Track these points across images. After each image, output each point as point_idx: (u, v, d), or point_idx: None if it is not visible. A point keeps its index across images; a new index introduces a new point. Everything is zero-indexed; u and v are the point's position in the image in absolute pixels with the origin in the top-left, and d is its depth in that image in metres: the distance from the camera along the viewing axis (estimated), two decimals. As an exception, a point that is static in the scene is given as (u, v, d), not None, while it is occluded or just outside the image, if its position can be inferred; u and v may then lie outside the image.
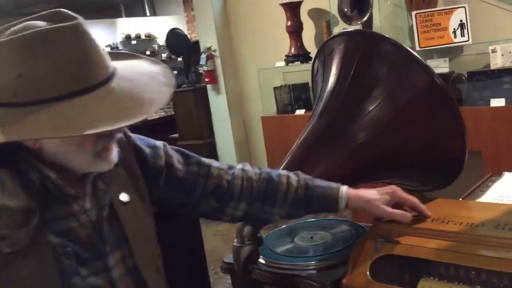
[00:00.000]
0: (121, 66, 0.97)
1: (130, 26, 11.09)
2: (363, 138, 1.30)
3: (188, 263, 1.71)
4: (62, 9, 0.92)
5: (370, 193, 1.19)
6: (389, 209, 1.16)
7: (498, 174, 1.58)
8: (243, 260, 1.28)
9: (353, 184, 1.53)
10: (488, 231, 1.05)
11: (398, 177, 1.44)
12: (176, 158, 1.18)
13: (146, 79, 0.98)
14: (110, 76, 0.91)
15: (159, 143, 1.18)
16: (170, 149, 1.19)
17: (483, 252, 0.99)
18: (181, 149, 1.22)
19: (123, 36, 10.97)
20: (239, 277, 1.31)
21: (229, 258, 1.37)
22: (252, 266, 1.30)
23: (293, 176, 1.23)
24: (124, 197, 1.07)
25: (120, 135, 1.07)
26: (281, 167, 1.36)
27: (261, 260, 1.32)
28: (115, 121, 0.87)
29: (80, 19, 0.90)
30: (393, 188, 1.20)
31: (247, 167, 1.26)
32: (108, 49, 10.64)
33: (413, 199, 1.19)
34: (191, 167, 1.19)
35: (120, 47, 10.99)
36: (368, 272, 1.08)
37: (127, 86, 0.92)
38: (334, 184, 1.21)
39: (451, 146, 1.31)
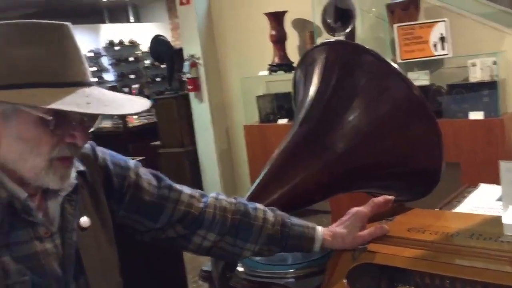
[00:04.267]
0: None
1: (113, 32, 11.05)
2: (342, 148, 1.31)
3: (167, 271, 1.70)
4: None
5: (340, 230, 1.16)
6: (365, 234, 1.13)
7: (475, 185, 1.60)
8: (221, 268, 1.27)
9: (331, 193, 1.54)
10: (463, 240, 1.06)
11: (375, 187, 1.45)
12: (147, 181, 1.12)
13: (120, 97, 0.96)
14: (85, 82, 0.91)
15: (132, 163, 1.14)
16: (144, 170, 1.14)
17: (458, 261, 1.00)
18: (156, 172, 1.17)
19: (107, 42, 10.92)
20: (217, 285, 1.31)
21: (207, 266, 1.36)
22: (230, 274, 1.30)
23: (269, 212, 1.18)
24: (84, 221, 1.01)
25: (87, 151, 1.05)
26: (261, 175, 1.37)
27: (239, 268, 1.32)
28: (80, 108, 0.86)
29: (69, 24, 0.91)
30: (354, 213, 1.17)
31: (221, 196, 1.20)
32: (92, 54, 10.59)
33: (373, 204, 1.19)
34: (161, 191, 1.13)
35: (103, 52, 10.94)
36: (345, 281, 1.09)
37: (98, 94, 0.91)
38: (309, 224, 1.18)
39: (428, 158, 1.32)
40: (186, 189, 1.17)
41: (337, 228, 1.17)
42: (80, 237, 0.99)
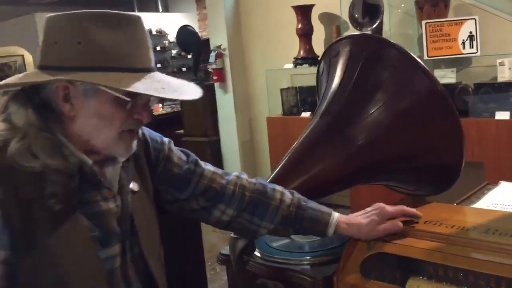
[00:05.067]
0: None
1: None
2: (362, 140, 1.32)
3: (185, 258, 1.74)
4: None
5: (359, 219, 1.18)
6: (380, 229, 1.15)
7: (496, 183, 1.60)
8: (238, 252, 1.30)
9: (349, 185, 1.56)
10: (478, 235, 1.07)
11: (394, 180, 1.46)
12: (177, 155, 1.23)
13: (179, 82, 1.07)
14: (152, 68, 1.02)
15: (165, 139, 1.25)
16: (174, 146, 1.25)
17: (473, 254, 1.02)
18: (185, 149, 1.28)
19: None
20: (234, 268, 1.34)
21: (225, 250, 1.40)
22: (247, 257, 1.33)
23: (287, 193, 1.24)
24: (134, 186, 1.13)
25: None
26: (280, 165, 1.39)
27: (257, 253, 1.35)
28: (159, 93, 0.97)
29: (141, 16, 1.02)
30: (379, 207, 1.19)
31: (243, 175, 1.28)
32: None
33: (400, 209, 1.20)
34: (188, 165, 1.23)
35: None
36: (359, 269, 1.11)
37: (165, 79, 1.03)
38: (325, 209, 1.22)
39: (448, 154, 1.33)
40: (211, 166, 1.27)
41: (358, 217, 1.20)
42: (132, 199, 1.11)
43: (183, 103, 5.56)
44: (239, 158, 4.83)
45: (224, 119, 4.93)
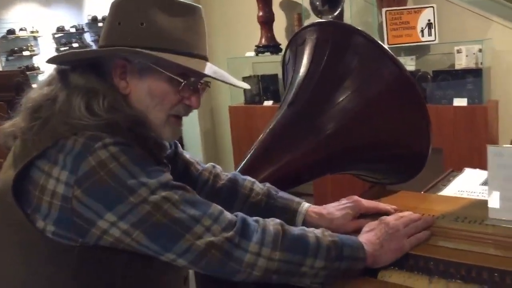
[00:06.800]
0: None
1: (97, 7, 10.82)
2: (330, 129, 1.31)
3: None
4: None
5: (332, 211, 1.18)
6: (353, 225, 1.15)
7: (459, 170, 1.62)
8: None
9: (319, 174, 1.54)
10: (448, 223, 1.08)
11: (362, 169, 1.46)
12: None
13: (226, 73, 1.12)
14: (206, 57, 1.06)
15: None
16: None
17: (442, 243, 1.02)
18: None
19: (89, 17, 10.71)
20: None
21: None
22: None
23: (258, 184, 1.24)
24: None
25: None
26: (248, 155, 1.36)
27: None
28: (209, 72, 1.02)
29: (201, 7, 1.08)
30: (354, 200, 1.19)
31: (217, 167, 1.31)
32: (74, 30, 10.39)
33: (375, 205, 1.20)
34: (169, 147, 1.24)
35: (86, 28, 10.73)
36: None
37: (217, 68, 1.07)
38: (296, 199, 1.21)
39: (416, 141, 1.34)
40: (188, 153, 1.31)
41: (331, 209, 1.18)
42: None
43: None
44: (201, 148, 4.77)
45: (185, 109, 4.86)
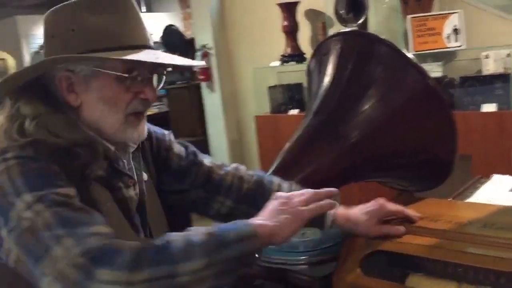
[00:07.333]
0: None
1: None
2: (356, 138, 1.33)
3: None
4: None
5: (358, 215, 1.16)
6: (381, 229, 1.13)
7: (487, 176, 1.61)
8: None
9: (344, 182, 1.55)
10: (475, 229, 1.07)
11: (388, 177, 1.46)
12: (177, 147, 1.25)
13: (174, 56, 1.07)
14: (149, 46, 1.02)
15: (165, 131, 1.26)
16: (173, 138, 1.26)
17: (471, 249, 1.02)
18: (183, 141, 1.29)
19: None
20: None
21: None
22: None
23: (285, 184, 1.23)
24: (144, 175, 1.14)
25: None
26: (275, 164, 1.39)
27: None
28: (152, 60, 0.97)
29: None
30: (380, 203, 1.17)
31: (241, 167, 1.29)
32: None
33: (400, 210, 1.18)
34: (188, 156, 1.24)
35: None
36: (358, 267, 1.11)
37: (163, 53, 1.05)
38: None
39: (442, 148, 1.34)
40: (209, 158, 1.28)
41: (357, 212, 1.17)
42: (144, 188, 1.12)
43: (170, 103, 5.52)
44: (227, 157, 4.81)
45: (212, 119, 4.90)
